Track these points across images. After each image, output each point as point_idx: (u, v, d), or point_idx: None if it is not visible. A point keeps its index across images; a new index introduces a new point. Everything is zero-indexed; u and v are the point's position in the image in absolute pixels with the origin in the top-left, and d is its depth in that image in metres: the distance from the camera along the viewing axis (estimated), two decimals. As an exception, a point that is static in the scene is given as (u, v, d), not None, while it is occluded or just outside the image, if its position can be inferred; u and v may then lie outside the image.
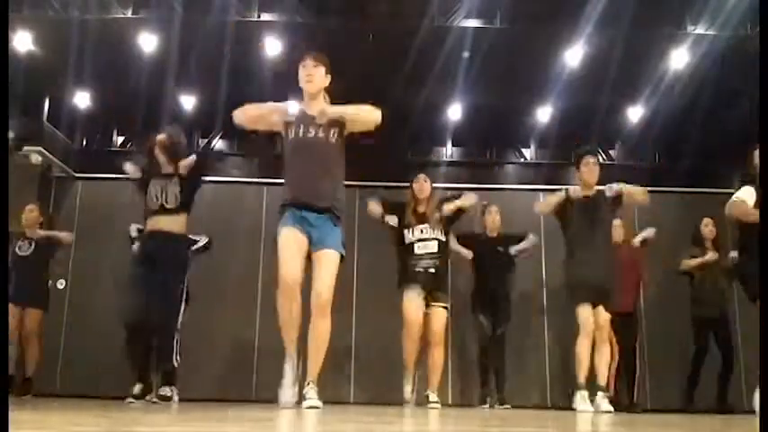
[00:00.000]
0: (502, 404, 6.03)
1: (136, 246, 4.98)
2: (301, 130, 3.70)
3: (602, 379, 4.83)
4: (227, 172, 8.18)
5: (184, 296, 4.70)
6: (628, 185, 4.91)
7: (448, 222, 5.29)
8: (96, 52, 6.62)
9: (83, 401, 4.71)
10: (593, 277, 4.82)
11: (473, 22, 6.49)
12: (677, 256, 6.40)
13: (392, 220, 5.27)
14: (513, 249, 6.13)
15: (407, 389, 5.21)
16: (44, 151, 7.39)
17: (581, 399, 4.77)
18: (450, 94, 7.55)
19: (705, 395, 6.20)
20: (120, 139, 8.50)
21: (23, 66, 6.67)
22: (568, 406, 5.17)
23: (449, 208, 5.24)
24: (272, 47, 6.64)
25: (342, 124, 3.72)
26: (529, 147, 8.57)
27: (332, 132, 3.69)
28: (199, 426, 1.95)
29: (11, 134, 6.99)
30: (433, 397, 5.16)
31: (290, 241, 3.59)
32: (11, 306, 5.73)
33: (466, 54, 6.69)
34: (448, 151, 8.58)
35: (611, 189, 4.83)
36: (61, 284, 7.17)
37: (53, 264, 6.36)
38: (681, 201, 7.78)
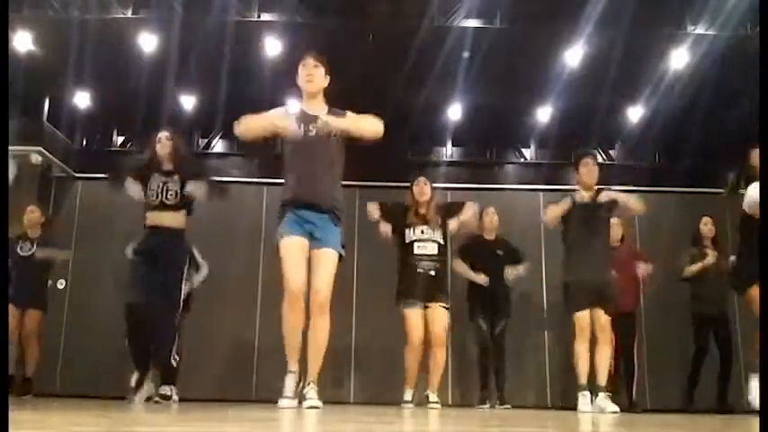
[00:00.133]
0: (502, 404, 6.03)
1: (130, 250, 4.92)
2: (302, 128, 3.70)
3: (603, 379, 4.83)
4: (227, 172, 8.17)
5: (183, 297, 4.68)
6: (622, 196, 4.92)
7: (448, 226, 5.33)
8: (96, 52, 6.61)
9: (83, 401, 4.71)
10: (592, 280, 4.82)
11: (473, 22, 6.49)
12: (677, 256, 6.40)
13: (385, 228, 5.27)
14: (507, 273, 6.15)
15: (408, 397, 5.20)
16: (44, 151, 7.39)
17: (583, 400, 4.77)
18: (450, 94, 7.55)
19: (705, 395, 6.20)
20: (120, 139, 8.50)
21: (23, 66, 6.67)
22: (568, 406, 5.17)
23: (453, 227, 5.29)
24: (272, 47, 6.64)
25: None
26: (529, 147, 8.57)
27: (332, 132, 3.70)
28: (199, 426, 1.95)
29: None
30: (432, 397, 5.16)
31: (294, 249, 3.59)
32: (11, 306, 5.73)
33: (466, 54, 6.69)
34: (448, 151, 8.58)
35: (607, 195, 4.85)
36: (61, 284, 7.17)
37: (54, 264, 6.37)
38: (681, 201, 7.78)
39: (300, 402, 3.52)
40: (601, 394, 4.76)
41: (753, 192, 4.40)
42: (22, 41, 6.55)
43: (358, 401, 6.95)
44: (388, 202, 5.46)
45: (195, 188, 4.54)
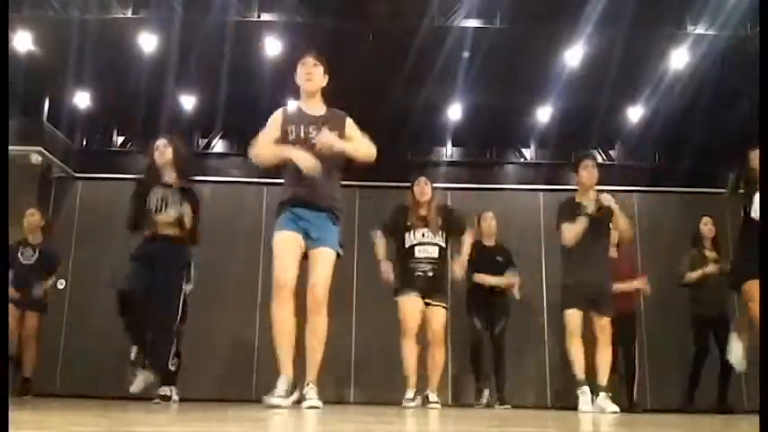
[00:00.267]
0: (502, 404, 6.04)
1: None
2: (302, 131, 3.70)
3: (603, 380, 4.84)
4: (227, 172, 8.17)
5: (181, 303, 4.65)
6: (617, 211, 4.93)
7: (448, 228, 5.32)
8: (96, 52, 6.61)
9: (83, 401, 4.71)
10: (589, 282, 4.84)
11: (473, 22, 6.48)
12: (677, 256, 6.40)
13: (386, 267, 5.25)
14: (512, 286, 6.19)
15: (409, 396, 5.12)
16: (44, 151, 7.39)
17: (583, 398, 4.78)
18: (450, 94, 7.55)
19: (705, 395, 6.20)
20: (120, 139, 8.50)
21: (23, 66, 6.67)
22: (568, 406, 5.17)
23: (456, 270, 5.29)
24: (272, 47, 6.63)
25: (341, 128, 3.74)
26: (529, 147, 8.57)
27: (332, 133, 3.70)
28: (199, 426, 1.95)
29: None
30: (432, 397, 5.15)
31: (286, 244, 3.58)
32: (11, 307, 5.75)
33: (466, 54, 6.68)
34: (448, 151, 8.58)
35: (609, 200, 4.86)
36: (61, 284, 7.17)
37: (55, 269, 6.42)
38: (681, 201, 7.79)
39: (299, 402, 3.51)
40: (601, 394, 4.77)
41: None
42: (22, 41, 6.55)
43: (358, 401, 6.95)
44: (388, 220, 5.37)
45: (185, 215, 4.56)
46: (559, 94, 7.37)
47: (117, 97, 7.74)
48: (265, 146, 3.73)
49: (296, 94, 4.04)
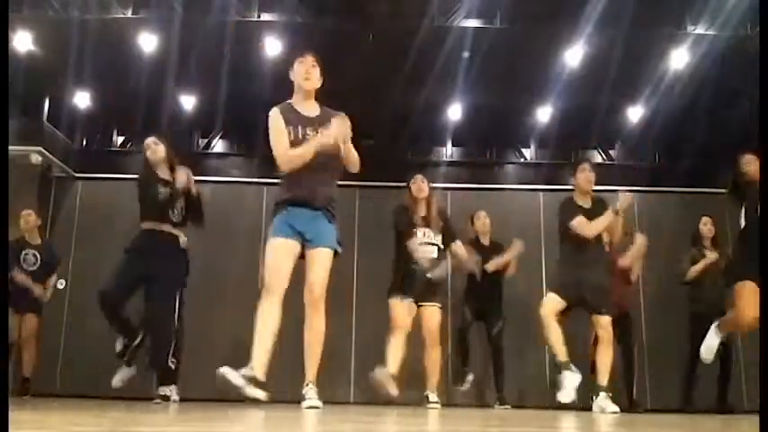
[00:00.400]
0: (502, 404, 6.04)
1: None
2: (300, 132, 3.69)
3: (604, 380, 4.83)
4: (227, 172, 8.17)
5: (178, 299, 4.65)
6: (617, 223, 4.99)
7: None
8: (96, 52, 6.61)
9: (83, 401, 4.71)
10: (588, 282, 4.84)
11: (473, 22, 6.48)
12: (677, 256, 6.40)
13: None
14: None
15: (389, 383, 4.92)
16: (44, 151, 7.39)
17: (567, 381, 4.76)
18: (450, 94, 7.55)
19: (705, 395, 6.20)
20: (120, 139, 8.50)
21: (23, 66, 6.67)
22: (568, 406, 5.17)
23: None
24: (272, 47, 6.63)
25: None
26: (529, 147, 8.57)
27: None
28: (199, 426, 1.95)
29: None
30: (432, 397, 5.16)
31: (280, 252, 3.56)
32: (10, 308, 5.76)
33: (466, 54, 6.69)
34: (448, 151, 8.57)
35: (628, 202, 4.96)
36: (61, 284, 7.16)
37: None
38: (681, 201, 7.79)
39: (300, 402, 3.50)
40: (602, 394, 4.76)
41: None
42: (22, 41, 6.55)
43: (358, 401, 6.94)
44: (397, 223, 5.28)
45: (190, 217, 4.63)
46: (559, 94, 7.38)
47: (117, 97, 7.74)
48: (290, 154, 3.62)
49: (289, 91, 4.00)
